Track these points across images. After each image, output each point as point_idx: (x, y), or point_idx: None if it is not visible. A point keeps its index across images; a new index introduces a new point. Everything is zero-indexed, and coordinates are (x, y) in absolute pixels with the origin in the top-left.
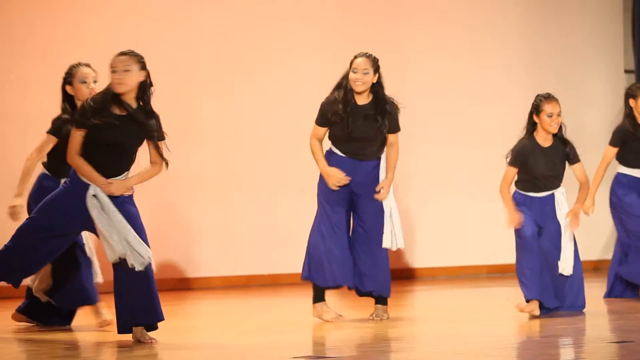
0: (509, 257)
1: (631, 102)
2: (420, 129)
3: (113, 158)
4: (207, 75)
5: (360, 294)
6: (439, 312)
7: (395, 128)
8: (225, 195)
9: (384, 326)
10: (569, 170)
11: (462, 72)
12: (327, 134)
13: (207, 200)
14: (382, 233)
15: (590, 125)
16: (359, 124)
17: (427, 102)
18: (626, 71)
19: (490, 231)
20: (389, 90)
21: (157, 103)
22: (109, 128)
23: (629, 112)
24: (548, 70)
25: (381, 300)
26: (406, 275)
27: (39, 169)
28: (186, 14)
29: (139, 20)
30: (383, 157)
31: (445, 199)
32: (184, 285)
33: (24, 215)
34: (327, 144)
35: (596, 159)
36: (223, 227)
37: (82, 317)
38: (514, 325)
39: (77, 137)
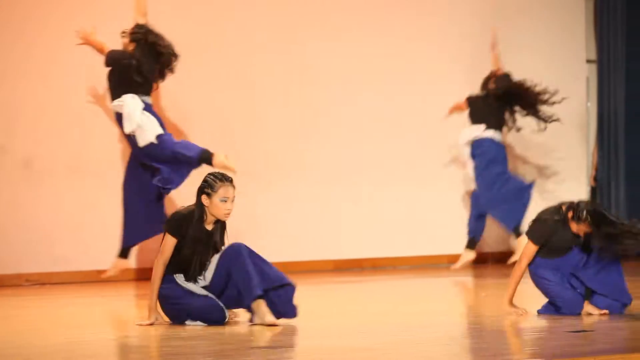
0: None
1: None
2: (371, 118)
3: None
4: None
5: None
6: (398, 301)
7: None
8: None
9: (345, 315)
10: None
11: (419, 58)
12: None
13: None
14: None
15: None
16: None
17: (378, 94)
18: (588, 61)
19: (448, 220)
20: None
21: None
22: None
23: None
24: (510, 60)
25: None
26: (367, 265)
27: None
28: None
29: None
30: None
31: (405, 188)
32: (142, 275)
33: None
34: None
35: (557, 145)
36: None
37: None
38: (472, 314)
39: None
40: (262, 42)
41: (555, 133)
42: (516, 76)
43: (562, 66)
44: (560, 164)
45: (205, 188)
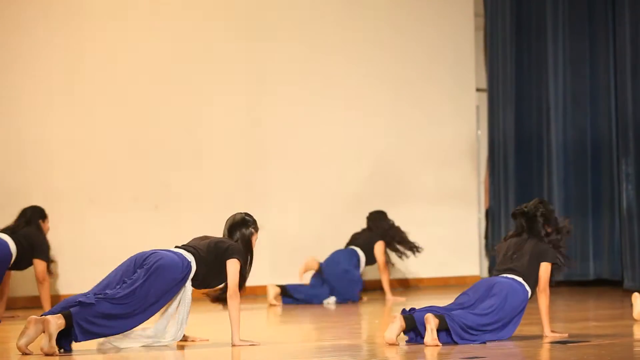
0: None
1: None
2: (270, 147)
3: None
4: (58, 88)
5: None
6: (296, 329)
7: None
8: (77, 210)
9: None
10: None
11: (311, 88)
12: None
13: (60, 215)
14: None
15: (443, 142)
16: None
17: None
18: (478, 89)
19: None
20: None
21: (6, 119)
22: None
23: None
24: (400, 89)
25: None
26: (261, 293)
27: None
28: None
29: None
30: None
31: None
32: (38, 303)
33: None
34: None
35: (448, 174)
36: (75, 242)
37: None
38: (367, 342)
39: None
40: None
41: (445, 161)
42: (407, 103)
43: (452, 95)
44: (452, 192)
45: (254, 226)
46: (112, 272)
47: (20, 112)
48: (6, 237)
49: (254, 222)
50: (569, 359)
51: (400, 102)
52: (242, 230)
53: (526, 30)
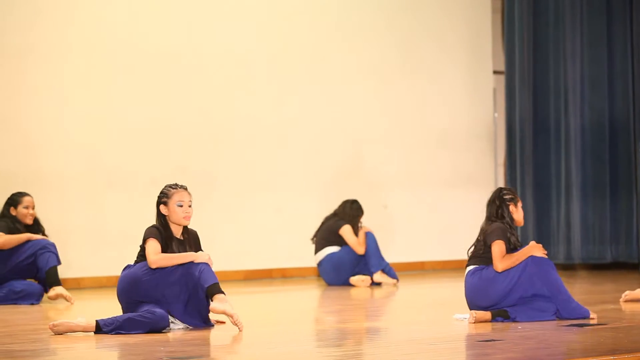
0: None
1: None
2: (283, 130)
3: None
4: (75, 69)
5: None
6: (307, 311)
7: None
8: (95, 194)
9: (256, 324)
10: None
11: (329, 69)
12: None
13: (76, 198)
14: None
15: (459, 125)
16: None
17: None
18: (495, 72)
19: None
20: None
21: (24, 102)
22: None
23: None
24: (418, 71)
25: None
26: (277, 275)
27: None
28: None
29: None
30: None
31: (312, 199)
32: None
33: None
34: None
35: (464, 157)
36: (92, 226)
37: None
38: (381, 324)
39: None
40: (175, 53)
41: (462, 144)
42: (425, 86)
43: (469, 77)
44: (468, 175)
45: (162, 198)
46: None
47: (38, 95)
48: None
49: (166, 191)
50: (587, 342)
51: (417, 84)
52: (157, 207)
53: (544, 13)
